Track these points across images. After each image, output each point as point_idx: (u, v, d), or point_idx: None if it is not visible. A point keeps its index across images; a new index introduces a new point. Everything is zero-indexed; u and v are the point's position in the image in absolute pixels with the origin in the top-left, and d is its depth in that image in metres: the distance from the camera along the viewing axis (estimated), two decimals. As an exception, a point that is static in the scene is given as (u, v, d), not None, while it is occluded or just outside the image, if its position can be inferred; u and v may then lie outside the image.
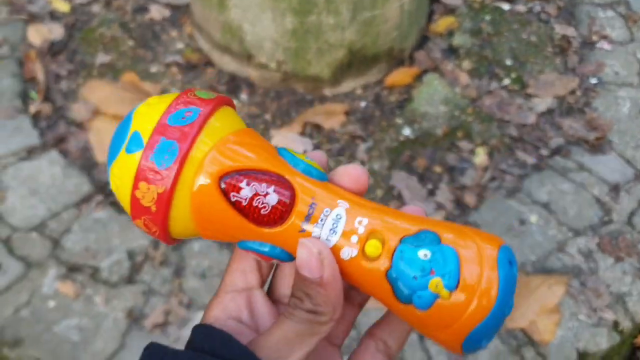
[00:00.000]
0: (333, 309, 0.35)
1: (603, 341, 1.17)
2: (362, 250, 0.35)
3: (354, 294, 0.40)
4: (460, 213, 1.35)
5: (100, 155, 1.39)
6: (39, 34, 1.65)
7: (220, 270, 1.20)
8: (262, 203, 0.35)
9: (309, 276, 0.34)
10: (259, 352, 0.34)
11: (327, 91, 1.55)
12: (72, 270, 1.19)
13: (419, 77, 1.59)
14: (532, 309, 1.19)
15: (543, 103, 1.59)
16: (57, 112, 1.48)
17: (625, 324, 1.20)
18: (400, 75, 1.59)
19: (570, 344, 1.16)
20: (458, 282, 0.33)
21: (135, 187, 0.35)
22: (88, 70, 1.58)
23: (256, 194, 0.35)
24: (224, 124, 0.36)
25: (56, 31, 1.66)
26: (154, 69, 1.59)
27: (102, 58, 1.60)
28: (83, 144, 1.41)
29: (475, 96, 1.58)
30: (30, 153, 1.38)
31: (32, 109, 1.47)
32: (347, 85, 1.56)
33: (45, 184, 1.31)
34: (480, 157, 1.46)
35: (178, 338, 1.11)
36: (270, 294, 0.41)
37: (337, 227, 0.35)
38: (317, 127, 1.48)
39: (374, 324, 0.40)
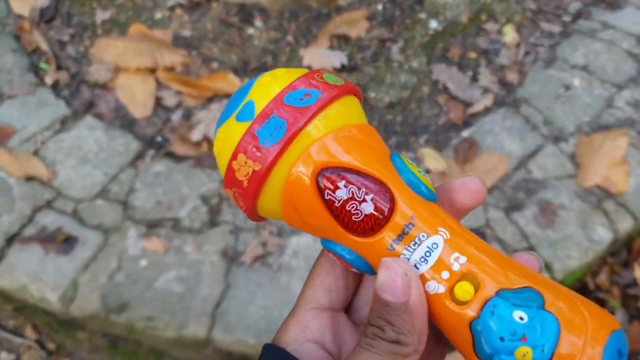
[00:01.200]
0: (419, 339, 0.31)
1: (674, 180, 1.22)
2: (451, 290, 0.31)
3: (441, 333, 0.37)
4: (506, 92, 1.36)
5: (136, 111, 1.34)
6: (23, 4, 1.55)
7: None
8: (356, 209, 0.32)
9: (392, 300, 0.30)
10: None
11: (341, 1, 1.51)
12: (151, 226, 1.16)
13: (427, -30, 1.56)
14: (602, 164, 1.22)
15: (551, -29, 1.59)
16: (75, 78, 1.41)
17: (688, 160, 1.25)
18: (408, -28, 1.56)
19: (646, 189, 1.20)
20: (552, 358, 0.29)
21: (234, 157, 0.33)
22: (91, 30, 1.50)
23: (352, 198, 0.32)
24: (342, 114, 0.34)
25: (42, -3, 1.55)
26: (158, 15, 1.52)
27: (101, 15, 1.51)
28: (114, 104, 1.36)
29: (486, -22, 1.56)
30: (64, 124, 1.32)
31: (48, 80, 1.39)
32: (359, -8, 1.52)
33: (93, 150, 1.27)
34: (509, 35, 1.46)
35: (279, 266, 1.11)
36: (350, 316, 0.37)
37: (429, 257, 0.32)
38: (344, 38, 1.45)
39: None
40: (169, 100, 1.35)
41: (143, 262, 1.13)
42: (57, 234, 1.16)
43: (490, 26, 1.47)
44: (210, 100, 1.35)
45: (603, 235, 1.16)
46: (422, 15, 1.48)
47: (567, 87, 1.36)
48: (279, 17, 1.50)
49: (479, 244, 0.32)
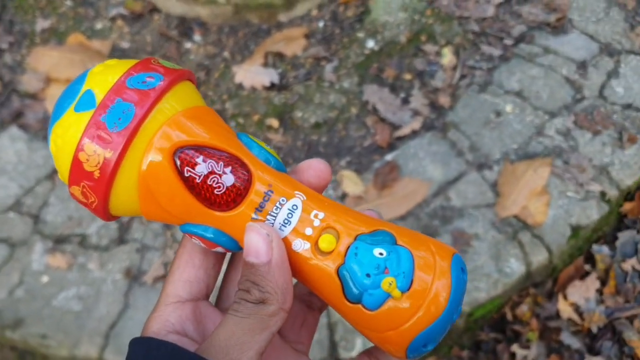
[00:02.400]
0: (283, 296, 0.32)
1: (593, 213, 1.19)
2: (316, 244, 0.33)
3: (313, 299, 0.38)
4: (436, 116, 1.34)
5: (62, 123, 1.33)
6: (-32, 10, 1.56)
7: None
8: (217, 182, 0.33)
9: (256, 261, 0.32)
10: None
11: (283, 17, 1.50)
12: (58, 242, 1.16)
13: (371, -12, 1.55)
14: (522, 194, 1.20)
15: (500, -7, 1.57)
16: (7, 86, 1.41)
17: (612, 193, 1.22)
18: (353, -11, 1.54)
19: (563, 221, 1.18)
20: (411, 283, 0.32)
21: (79, 148, 0.31)
22: (30, 39, 1.50)
23: (212, 172, 0.33)
24: (184, 96, 0.34)
25: (-14, 4, 1.56)
26: (99, 25, 1.52)
27: (42, 24, 1.52)
28: (42, 115, 1.35)
29: (431, -3, 1.55)
30: (-12, 134, 1.32)
31: (-20, 88, 1.40)
32: (301, 8, 1.51)
33: (12, 161, 1.26)
34: (447, 57, 1.44)
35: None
36: (219, 305, 0.38)
37: (291, 218, 0.34)
38: (280, 56, 1.44)
39: (375, 346, 0.38)
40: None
41: (45, 278, 1.12)
42: (-36, 246, 1.16)
43: (429, 47, 1.45)
44: (137, 114, 1.34)
45: (515, 267, 1.14)
46: (361, 34, 1.47)
47: (499, 113, 1.34)
48: (218, 31, 1.50)
49: (332, 202, 0.35)
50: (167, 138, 0.32)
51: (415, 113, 1.35)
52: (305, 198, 0.34)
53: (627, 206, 1.31)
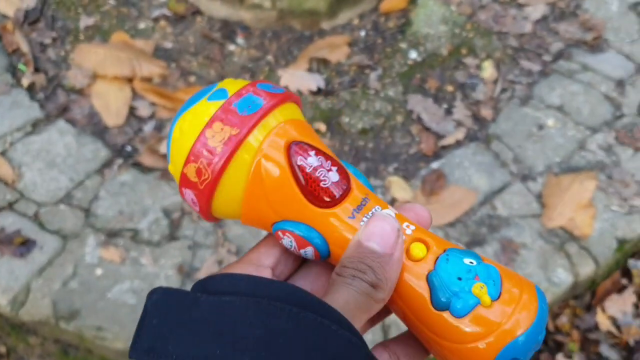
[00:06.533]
0: (390, 289, 0.33)
1: (638, 226, 1.22)
2: (407, 250, 0.34)
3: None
4: (479, 127, 1.37)
5: (109, 119, 1.34)
6: (9, 4, 1.56)
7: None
8: (324, 176, 0.35)
9: (380, 250, 0.32)
10: None
11: (325, 25, 1.52)
12: (111, 236, 1.16)
13: (412, 0, 1.58)
14: (569, 206, 1.22)
15: (536, 11, 1.60)
16: (52, 81, 1.41)
17: (654, 208, 1.25)
18: (394, 1, 1.57)
19: (609, 234, 1.20)
20: (501, 292, 0.33)
21: (208, 125, 0.33)
22: (74, 35, 1.50)
23: (321, 166, 0.35)
24: (297, 111, 0.37)
25: (29, -1, 1.56)
26: (142, 25, 1.53)
27: (85, 21, 1.52)
28: (88, 111, 1.36)
29: (470, 12, 1.58)
30: (35, 126, 1.32)
31: (25, 81, 1.39)
32: (343, 17, 1.53)
33: (61, 154, 1.26)
34: (488, 70, 1.47)
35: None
36: None
37: None
38: (324, 62, 1.46)
39: (392, 339, 0.37)
40: (143, 110, 1.35)
41: (99, 271, 1.12)
42: (15, 237, 1.15)
43: (470, 60, 1.48)
44: (184, 113, 1.35)
45: (563, 277, 1.16)
46: (403, 45, 1.49)
47: (541, 127, 1.37)
48: (261, 36, 1.51)
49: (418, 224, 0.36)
50: (285, 131, 0.35)
51: (459, 124, 1.37)
52: (397, 212, 0.36)
53: (660, 223, 1.34)
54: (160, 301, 0.30)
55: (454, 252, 0.34)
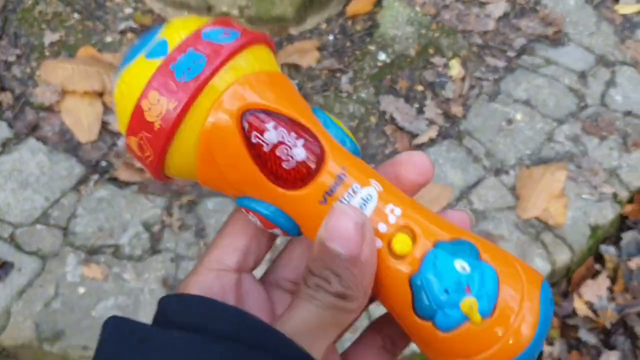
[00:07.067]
0: (364, 296, 0.28)
1: (609, 213, 1.26)
2: (389, 244, 0.29)
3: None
4: (451, 124, 1.39)
5: (81, 135, 1.32)
6: (-30, 23, 1.53)
7: (241, 223, 1.19)
8: (287, 155, 0.29)
9: (343, 252, 0.27)
10: None
11: (293, 30, 1.53)
12: (91, 253, 1.14)
13: (378, 3, 1.60)
14: (542, 197, 1.26)
15: (497, 8, 1.64)
16: (19, 99, 1.39)
17: (623, 194, 1.29)
18: (359, 4, 1.59)
19: (582, 222, 1.24)
20: (494, 309, 0.28)
21: (143, 95, 0.28)
22: (39, 52, 1.48)
23: (282, 142, 0.29)
24: (260, 59, 0.31)
25: (-10, 16, 1.53)
26: (108, 38, 1.51)
27: (50, 37, 1.50)
28: (59, 127, 1.34)
29: (434, 12, 1.61)
30: (5, 146, 1.29)
31: (-9, 101, 1.37)
32: (311, 22, 1.55)
33: (34, 173, 1.24)
34: (455, 69, 1.50)
35: (220, 295, 1.10)
36: (264, 280, 0.34)
37: (365, 209, 0.29)
38: (295, 67, 1.47)
39: (381, 318, 0.34)
40: (116, 125, 1.33)
41: (81, 289, 1.10)
42: (-9, 260, 1.13)
43: (438, 60, 1.50)
44: (157, 125, 1.34)
45: (541, 266, 1.19)
46: (372, 47, 1.51)
47: (510, 121, 1.40)
48: (230, 44, 1.51)
49: (408, 198, 0.31)
50: (236, 97, 0.29)
51: (431, 122, 1.39)
52: (381, 189, 0.30)
53: (628, 208, 1.39)
54: (112, 334, 0.28)
55: (443, 252, 0.29)
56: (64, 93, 1.38)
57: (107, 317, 0.29)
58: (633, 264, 1.38)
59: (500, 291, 0.28)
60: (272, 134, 0.29)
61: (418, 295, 0.28)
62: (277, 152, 0.29)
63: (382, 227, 0.29)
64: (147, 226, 1.18)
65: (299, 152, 0.29)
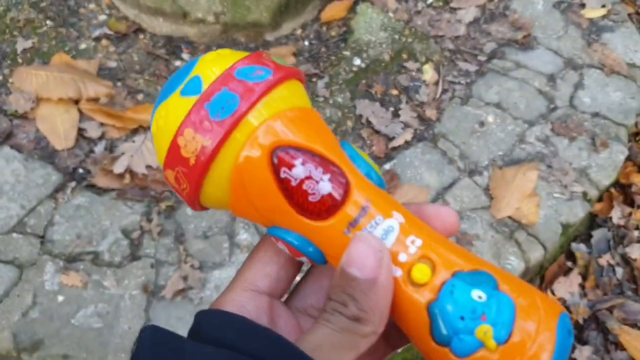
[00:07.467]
0: (380, 320, 0.30)
1: (579, 211, 1.29)
2: (408, 273, 0.31)
3: (393, 332, 0.34)
4: (425, 127, 1.42)
5: (57, 143, 1.31)
6: (-60, 31, 1.50)
7: (220, 228, 1.20)
8: (313, 189, 0.31)
9: (360, 276, 0.29)
10: None
11: (269, 36, 1.54)
12: (70, 260, 1.14)
13: (352, 9, 1.62)
14: (515, 197, 1.29)
15: (468, 14, 1.68)
16: (-7, 107, 1.37)
17: (592, 193, 1.33)
18: (334, 10, 1.61)
19: (554, 220, 1.27)
20: (510, 336, 0.29)
21: (179, 132, 0.31)
22: (11, 59, 1.47)
23: (309, 177, 0.31)
24: (292, 95, 0.33)
25: (-39, 24, 1.51)
26: (83, 45, 1.51)
27: (22, 44, 1.49)
28: (34, 135, 1.33)
29: (407, 18, 1.64)
30: (-21, 155, 1.28)
31: (-36, 109, 1.35)
32: (286, 27, 1.56)
33: (9, 181, 1.23)
34: (429, 73, 1.53)
35: (201, 299, 1.11)
36: (288, 304, 0.35)
37: (386, 240, 0.31)
38: (271, 73, 1.48)
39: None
40: (92, 131, 1.33)
41: (60, 298, 1.10)
42: (-33, 270, 1.11)
43: (411, 64, 1.53)
44: (134, 132, 1.34)
45: (515, 264, 1.22)
46: (347, 53, 1.53)
47: (482, 123, 1.43)
48: (206, 50, 1.52)
49: (430, 230, 0.32)
50: (267, 134, 0.31)
51: (406, 125, 1.42)
52: (403, 221, 0.31)
53: (597, 206, 1.43)
54: (148, 344, 0.29)
55: (462, 280, 0.30)
56: (38, 100, 1.37)
57: (145, 325, 0.30)
58: (603, 260, 1.42)
59: (516, 320, 0.29)
60: (299, 169, 0.31)
61: (435, 322, 0.30)
62: (304, 187, 0.31)
63: (403, 257, 0.31)
64: (126, 232, 1.18)
65: (325, 186, 0.31)
